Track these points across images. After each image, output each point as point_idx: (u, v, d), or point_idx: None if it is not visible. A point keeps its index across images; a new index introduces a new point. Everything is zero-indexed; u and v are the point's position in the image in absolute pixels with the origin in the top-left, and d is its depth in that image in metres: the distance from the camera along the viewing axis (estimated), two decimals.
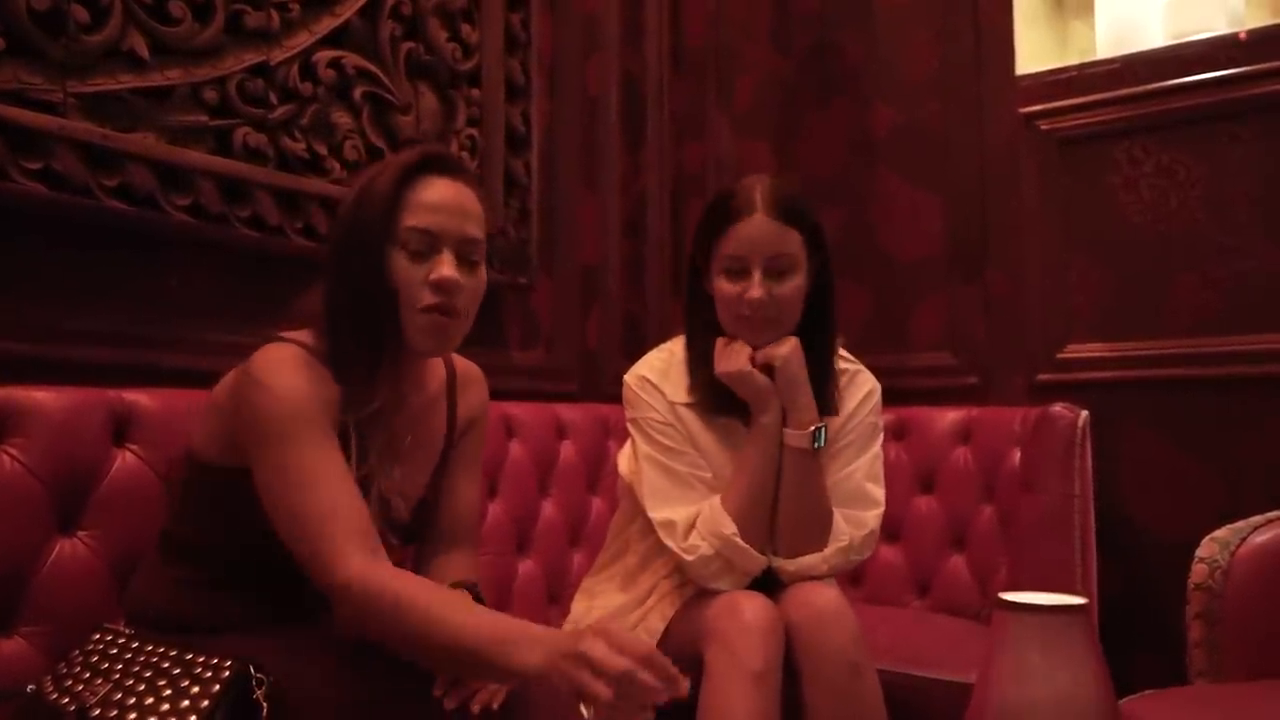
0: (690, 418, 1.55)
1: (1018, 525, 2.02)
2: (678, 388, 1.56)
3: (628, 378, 1.60)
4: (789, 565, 1.49)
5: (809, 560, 1.48)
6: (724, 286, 1.50)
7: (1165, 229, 2.18)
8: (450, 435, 1.34)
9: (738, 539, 1.45)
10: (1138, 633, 2.03)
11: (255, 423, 1.11)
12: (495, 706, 1.02)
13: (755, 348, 1.51)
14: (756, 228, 1.46)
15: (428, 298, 1.16)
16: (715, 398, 1.53)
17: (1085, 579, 1.87)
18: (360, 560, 1.04)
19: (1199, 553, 1.63)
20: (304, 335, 1.18)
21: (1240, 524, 1.65)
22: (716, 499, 1.49)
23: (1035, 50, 2.42)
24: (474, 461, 1.40)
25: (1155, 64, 2.20)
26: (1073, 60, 2.38)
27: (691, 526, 1.47)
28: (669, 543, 1.48)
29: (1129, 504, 2.17)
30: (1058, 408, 2.07)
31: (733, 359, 1.51)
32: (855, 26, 2.65)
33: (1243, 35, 2.10)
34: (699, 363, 1.55)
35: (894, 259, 2.57)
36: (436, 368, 1.35)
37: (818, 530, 1.49)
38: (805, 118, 2.73)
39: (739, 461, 1.51)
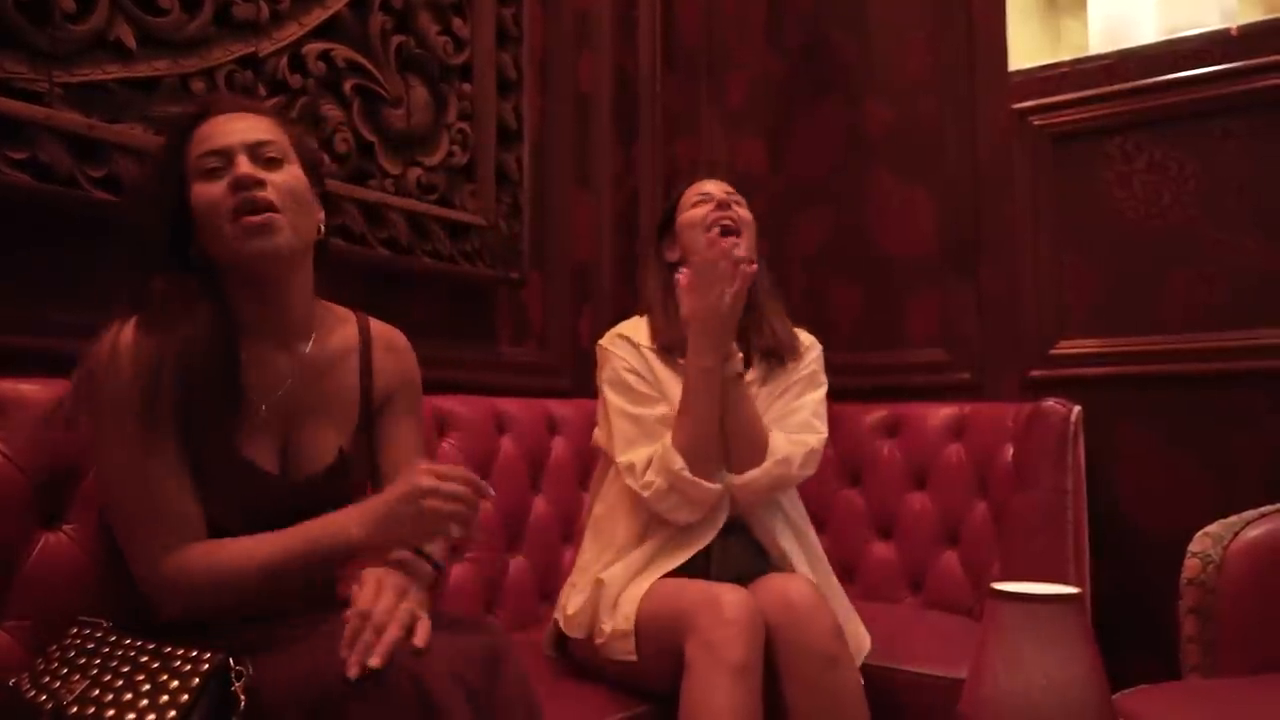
0: (656, 363, 1.73)
1: (1011, 521, 2.01)
2: (645, 337, 1.76)
3: (602, 340, 1.78)
4: (736, 480, 1.63)
5: (751, 474, 1.62)
6: (691, 215, 1.76)
7: (1158, 224, 2.18)
8: (367, 399, 1.33)
9: (686, 473, 1.57)
10: (1131, 628, 2.03)
11: (83, 410, 1.15)
12: (377, 664, 1.00)
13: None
14: (707, 181, 1.83)
15: (230, 200, 1.16)
16: (673, 341, 1.71)
17: (1078, 574, 1.87)
18: (166, 560, 1.12)
19: (1191, 547, 1.63)
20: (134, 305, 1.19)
21: (1233, 518, 1.65)
22: (668, 437, 1.62)
23: (1028, 46, 2.42)
24: (410, 414, 1.39)
25: (1148, 59, 2.20)
26: (1065, 56, 2.37)
27: (649, 465, 1.61)
28: (630, 482, 1.63)
29: (1122, 499, 2.17)
30: (1050, 403, 2.07)
31: (704, 293, 1.59)
32: (848, 24, 2.65)
33: (1234, 30, 2.10)
34: (660, 315, 1.75)
35: (887, 256, 2.56)
36: (338, 326, 1.34)
37: (755, 445, 1.64)
38: (798, 115, 2.73)
39: (684, 402, 1.63)
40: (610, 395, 1.71)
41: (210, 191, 1.17)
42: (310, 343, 1.29)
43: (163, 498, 1.13)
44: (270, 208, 1.17)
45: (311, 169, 1.28)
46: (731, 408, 1.63)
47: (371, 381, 1.34)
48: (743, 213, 1.75)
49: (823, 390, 1.79)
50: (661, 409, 1.68)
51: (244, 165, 1.17)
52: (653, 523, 1.66)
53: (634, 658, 1.52)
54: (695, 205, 1.77)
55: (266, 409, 1.23)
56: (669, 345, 1.72)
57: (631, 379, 1.70)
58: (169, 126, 1.24)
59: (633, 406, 1.68)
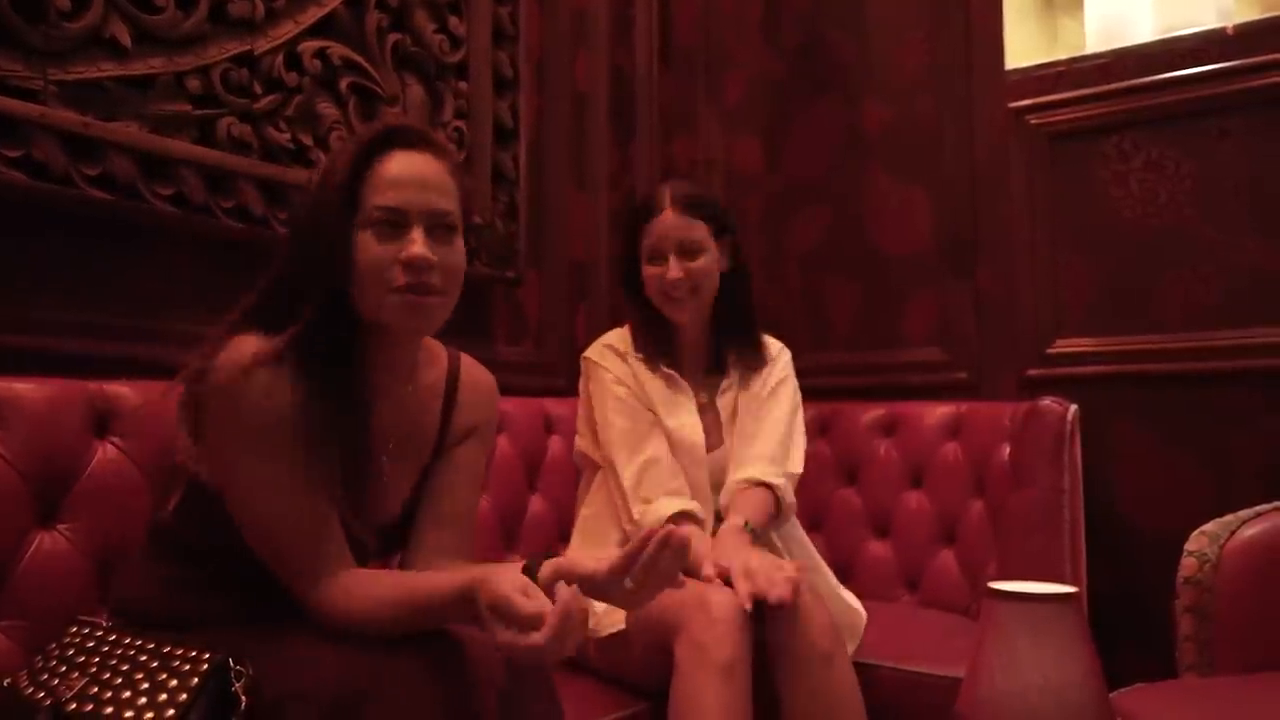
0: (640, 369, 1.78)
1: (1007, 520, 2.01)
2: (630, 347, 1.82)
3: (587, 352, 1.83)
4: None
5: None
6: (649, 271, 1.76)
7: (1154, 223, 2.18)
8: (441, 438, 1.29)
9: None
10: (1127, 626, 2.03)
11: (218, 436, 1.11)
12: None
13: (679, 323, 1.78)
14: (668, 221, 1.74)
15: (400, 277, 1.11)
16: (656, 351, 1.80)
17: (1075, 573, 1.87)
18: (321, 586, 1.10)
19: (1188, 546, 1.62)
20: (265, 320, 1.14)
21: (1229, 517, 1.64)
22: (662, 505, 1.64)
23: (1025, 45, 2.42)
24: (472, 469, 1.33)
25: (1144, 58, 2.20)
26: (1062, 55, 2.37)
27: (637, 489, 1.67)
28: (621, 500, 1.68)
29: (1118, 498, 2.17)
30: (1047, 402, 2.06)
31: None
32: (845, 23, 2.65)
33: (1230, 29, 2.10)
34: (640, 328, 1.81)
35: (884, 255, 2.56)
36: (433, 363, 1.30)
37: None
38: (795, 114, 2.73)
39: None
40: (601, 406, 1.76)
41: (377, 254, 1.11)
42: (411, 384, 1.26)
43: (316, 517, 1.11)
44: (436, 292, 1.13)
45: (465, 229, 1.21)
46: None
47: (449, 427, 1.30)
48: (697, 265, 1.73)
49: (798, 400, 1.86)
50: (649, 418, 1.74)
51: (419, 244, 1.11)
52: None
53: (623, 625, 1.53)
54: (651, 262, 1.75)
55: (387, 460, 1.23)
56: (652, 356, 1.79)
57: (620, 390, 1.75)
58: (348, 150, 1.15)
59: (623, 419, 1.73)
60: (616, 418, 1.73)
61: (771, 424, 1.79)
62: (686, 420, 1.76)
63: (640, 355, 1.79)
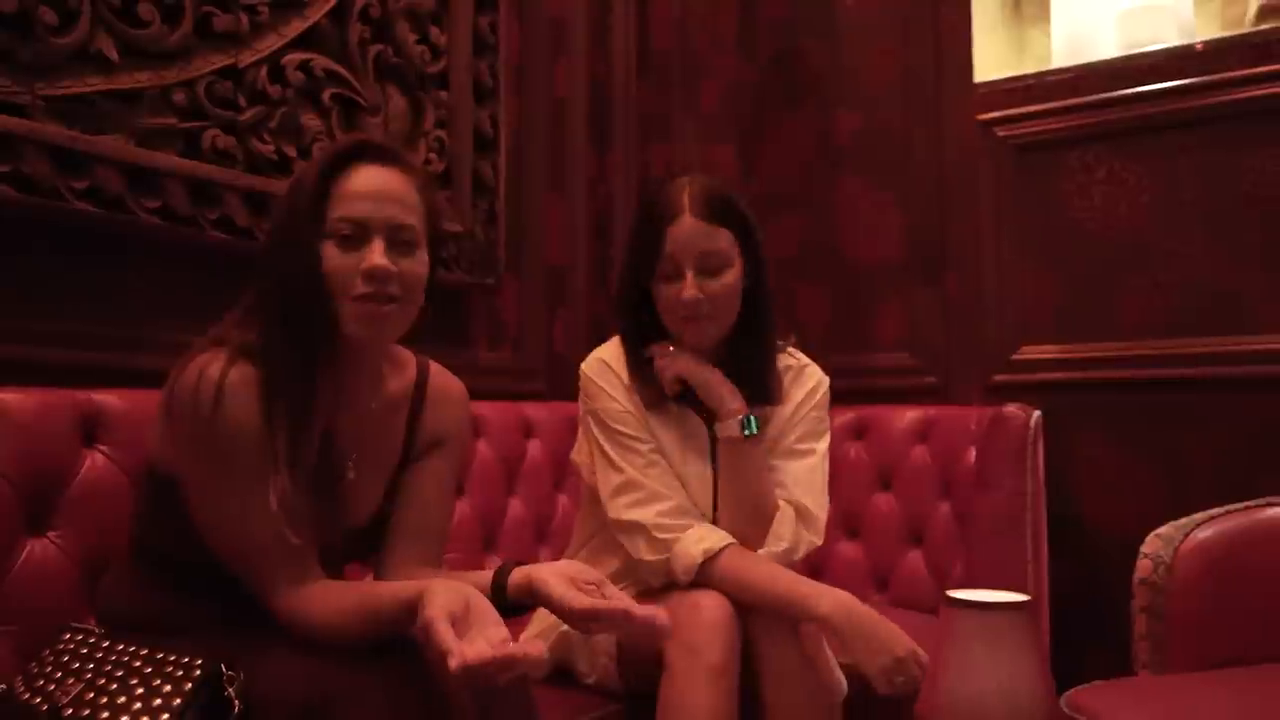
0: (639, 403, 1.58)
1: (973, 522, 2.07)
2: (627, 371, 1.60)
3: (584, 367, 1.63)
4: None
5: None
6: (661, 288, 1.53)
7: (1115, 235, 2.25)
8: (408, 446, 1.31)
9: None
10: (1088, 626, 2.09)
11: (182, 447, 1.14)
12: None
13: (694, 347, 1.55)
14: (685, 230, 1.50)
15: (360, 286, 1.14)
16: (656, 391, 1.57)
17: (1037, 575, 1.93)
18: (285, 595, 1.13)
19: (1143, 549, 1.68)
20: (239, 335, 1.17)
21: (1184, 520, 1.70)
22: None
23: (993, 58, 2.47)
24: (442, 479, 1.35)
25: (1109, 74, 2.26)
26: (1029, 68, 2.43)
27: (649, 535, 1.49)
28: (629, 546, 1.52)
29: (1080, 501, 2.23)
30: (1011, 408, 2.12)
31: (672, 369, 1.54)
32: (819, 34, 2.70)
33: (1199, 46, 2.16)
34: (636, 360, 1.59)
35: (855, 261, 2.62)
36: (400, 372, 1.32)
37: (757, 522, 1.53)
38: (769, 122, 2.77)
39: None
40: (597, 433, 1.58)
41: (339, 264, 1.15)
42: (376, 394, 1.28)
43: (279, 529, 1.12)
44: (392, 301, 1.16)
45: (434, 241, 1.24)
46: (734, 473, 1.53)
47: (415, 435, 1.32)
48: (717, 284, 1.50)
49: (826, 439, 1.69)
50: (652, 452, 1.55)
51: (378, 254, 1.14)
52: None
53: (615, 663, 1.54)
54: (665, 277, 1.52)
55: (353, 469, 1.25)
56: (645, 395, 1.57)
57: (619, 419, 1.56)
58: (314, 164, 1.19)
59: (620, 454, 1.54)
60: (612, 452, 1.55)
61: (796, 472, 1.62)
62: (694, 471, 1.58)
63: (640, 392, 1.57)
